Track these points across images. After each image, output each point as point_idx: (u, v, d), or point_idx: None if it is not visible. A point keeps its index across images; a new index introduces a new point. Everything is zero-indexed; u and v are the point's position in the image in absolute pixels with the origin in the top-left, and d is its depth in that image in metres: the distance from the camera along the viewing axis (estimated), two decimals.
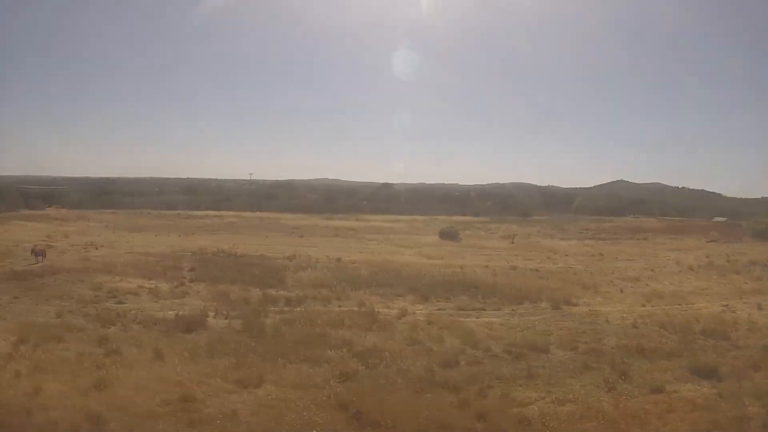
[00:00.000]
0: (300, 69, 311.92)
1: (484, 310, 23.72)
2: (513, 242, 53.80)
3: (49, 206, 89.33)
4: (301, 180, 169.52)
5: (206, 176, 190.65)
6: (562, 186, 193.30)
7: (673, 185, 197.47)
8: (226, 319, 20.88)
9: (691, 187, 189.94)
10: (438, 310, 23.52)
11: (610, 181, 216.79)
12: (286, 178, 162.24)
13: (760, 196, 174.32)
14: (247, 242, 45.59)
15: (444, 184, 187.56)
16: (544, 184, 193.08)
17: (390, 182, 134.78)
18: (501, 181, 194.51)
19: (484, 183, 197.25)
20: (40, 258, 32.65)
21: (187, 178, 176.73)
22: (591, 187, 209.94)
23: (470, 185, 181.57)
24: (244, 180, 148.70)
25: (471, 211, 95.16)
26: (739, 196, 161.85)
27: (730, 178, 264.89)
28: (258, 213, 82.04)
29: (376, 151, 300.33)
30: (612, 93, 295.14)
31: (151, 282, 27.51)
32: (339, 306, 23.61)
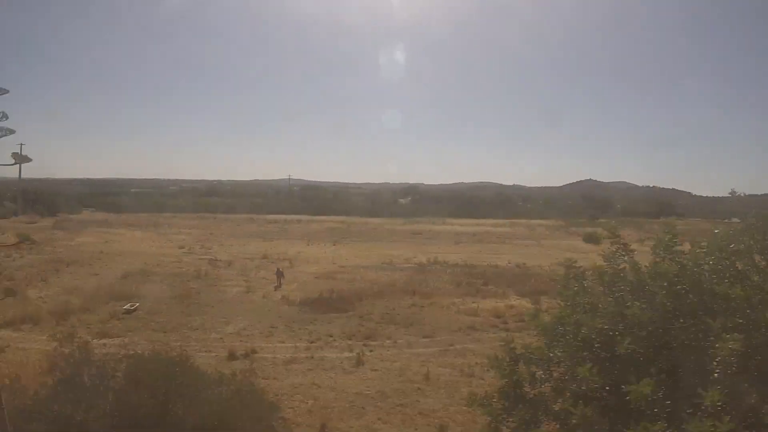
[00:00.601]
0: (291, 69, 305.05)
1: None
2: None
3: (87, 210, 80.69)
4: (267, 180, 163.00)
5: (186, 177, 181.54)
6: (527, 185, 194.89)
7: (639, 184, 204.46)
8: None
9: (661, 186, 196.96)
10: None
11: (580, 180, 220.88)
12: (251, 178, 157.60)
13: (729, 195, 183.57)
14: (438, 251, 40.72)
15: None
16: (508, 183, 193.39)
17: (415, 183, 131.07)
18: (465, 181, 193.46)
19: (449, 182, 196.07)
20: (281, 280, 26.81)
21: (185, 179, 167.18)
22: (560, 186, 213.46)
23: (435, 185, 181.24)
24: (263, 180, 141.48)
25: (520, 213, 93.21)
26: (704, 195, 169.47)
27: (698, 176, 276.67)
28: (333, 217, 76.64)
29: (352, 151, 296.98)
30: (580, 94, 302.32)
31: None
32: None
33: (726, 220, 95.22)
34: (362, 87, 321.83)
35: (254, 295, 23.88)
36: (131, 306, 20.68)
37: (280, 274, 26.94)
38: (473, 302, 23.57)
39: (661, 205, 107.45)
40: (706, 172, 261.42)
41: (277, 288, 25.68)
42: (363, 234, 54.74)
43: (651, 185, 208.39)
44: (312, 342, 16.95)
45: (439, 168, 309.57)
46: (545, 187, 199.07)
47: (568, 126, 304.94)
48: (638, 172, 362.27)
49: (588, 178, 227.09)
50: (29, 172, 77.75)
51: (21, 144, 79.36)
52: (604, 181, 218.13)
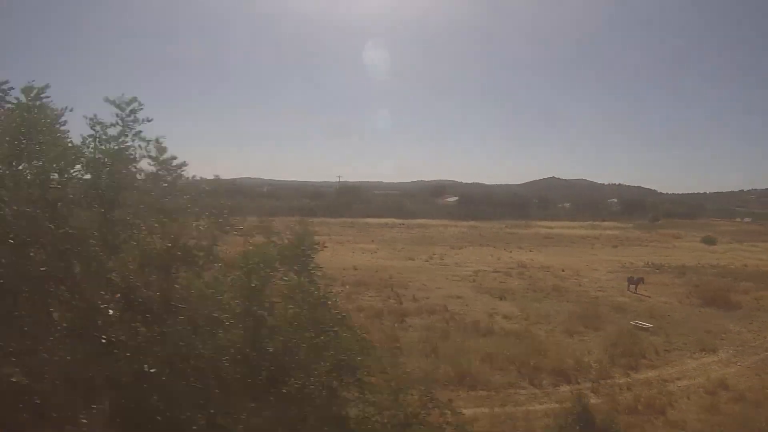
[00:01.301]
0: (292, 68, 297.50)
1: None
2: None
3: None
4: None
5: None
6: (486, 183, 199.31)
7: (605, 183, 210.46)
8: None
9: (627, 184, 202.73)
10: None
11: (542, 178, 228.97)
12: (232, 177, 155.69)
13: (700, 192, 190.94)
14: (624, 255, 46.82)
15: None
16: (467, 181, 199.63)
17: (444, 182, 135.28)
18: (425, 179, 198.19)
19: (407, 181, 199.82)
20: (633, 287, 29.33)
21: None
22: (522, 184, 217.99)
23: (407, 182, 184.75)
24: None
25: (560, 214, 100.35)
26: (669, 192, 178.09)
27: (662, 174, 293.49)
28: (418, 220, 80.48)
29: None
30: (540, 93, 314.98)
31: None
32: None
33: (738, 220, 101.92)
34: (349, 87, 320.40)
35: (671, 303, 27.67)
36: None
37: (638, 281, 29.99)
38: None
39: (692, 207, 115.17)
40: (670, 170, 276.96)
41: (644, 297, 28.57)
42: (507, 239, 58.34)
43: (617, 183, 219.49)
44: None
45: (399, 167, 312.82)
46: (508, 185, 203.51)
47: (530, 124, 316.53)
48: (599, 170, 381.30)
49: (551, 176, 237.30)
50: None
51: None
52: (567, 178, 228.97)
